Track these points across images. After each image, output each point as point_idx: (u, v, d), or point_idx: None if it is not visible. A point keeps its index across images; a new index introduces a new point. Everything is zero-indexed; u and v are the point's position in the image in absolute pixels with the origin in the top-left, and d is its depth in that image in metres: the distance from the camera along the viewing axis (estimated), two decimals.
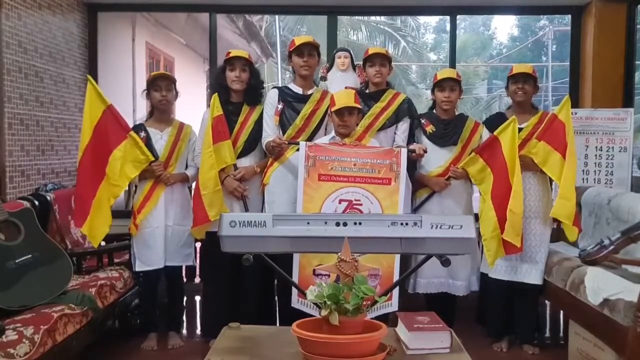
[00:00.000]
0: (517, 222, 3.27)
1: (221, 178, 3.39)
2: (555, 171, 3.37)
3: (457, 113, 3.70)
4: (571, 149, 3.33)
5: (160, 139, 3.57)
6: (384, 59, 3.55)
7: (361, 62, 3.69)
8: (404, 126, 3.57)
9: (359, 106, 3.29)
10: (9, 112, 3.58)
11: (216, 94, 3.44)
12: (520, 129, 3.51)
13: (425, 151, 3.43)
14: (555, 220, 3.54)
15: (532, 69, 3.59)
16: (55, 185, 3.97)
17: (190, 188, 3.75)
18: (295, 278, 3.01)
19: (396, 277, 3.02)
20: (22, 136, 3.73)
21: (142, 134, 3.50)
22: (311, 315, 2.09)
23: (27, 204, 3.35)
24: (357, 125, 3.40)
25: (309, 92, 3.51)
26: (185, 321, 4.11)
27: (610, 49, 4.50)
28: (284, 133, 3.45)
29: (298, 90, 3.52)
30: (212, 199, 3.33)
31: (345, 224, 2.05)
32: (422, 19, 17.49)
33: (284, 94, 3.51)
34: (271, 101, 3.50)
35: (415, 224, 2.06)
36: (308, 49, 3.43)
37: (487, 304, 3.73)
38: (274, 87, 3.63)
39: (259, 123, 3.51)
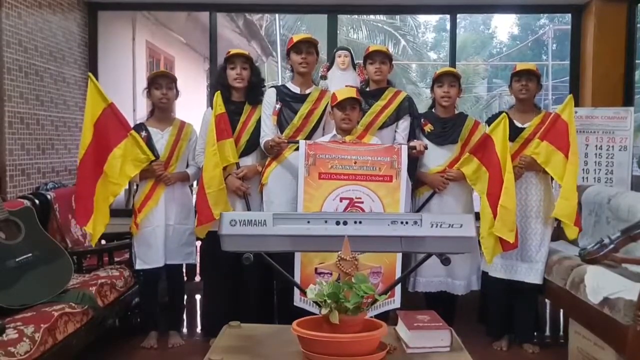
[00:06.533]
0: (509, 217, 3.27)
1: (223, 176, 3.39)
2: (557, 171, 3.37)
3: (456, 112, 3.70)
4: (574, 149, 3.33)
5: (161, 138, 3.57)
6: (384, 57, 3.56)
7: (361, 61, 3.70)
8: (404, 124, 3.57)
9: (360, 99, 3.29)
10: (9, 110, 3.58)
11: (218, 92, 3.43)
12: (522, 129, 3.52)
13: (425, 147, 3.43)
14: (556, 219, 3.54)
15: (536, 67, 3.60)
16: (55, 184, 3.97)
17: (191, 187, 3.76)
18: (297, 277, 3.02)
19: (398, 275, 3.02)
20: (22, 135, 3.73)
21: (143, 133, 3.50)
22: (312, 314, 2.09)
23: (27, 202, 3.35)
24: (358, 123, 3.40)
25: (307, 91, 3.51)
26: (185, 320, 4.11)
27: (610, 48, 4.50)
28: (282, 132, 3.44)
29: (296, 89, 3.51)
30: (217, 198, 3.33)
31: (345, 223, 2.05)
32: (422, 18, 17.55)
33: (282, 93, 3.50)
34: (269, 100, 3.50)
35: (415, 222, 2.06)
36: (306, 47, 3.43)
37: (487, 303, 3.73)
38: (272, 86, 3.63)
39: (260, 122, 3.51)
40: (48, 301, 2.76)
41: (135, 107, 6.25)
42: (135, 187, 3.73)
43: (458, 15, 4.91)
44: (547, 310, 4.31)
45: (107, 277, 3.33)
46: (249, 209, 3.44)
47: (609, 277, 2.91)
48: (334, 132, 3.34)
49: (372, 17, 14.31)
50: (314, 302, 1.79)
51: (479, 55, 21.46)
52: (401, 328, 2.08)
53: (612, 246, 3.07)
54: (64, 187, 3.97)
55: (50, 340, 2.53)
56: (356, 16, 13.53)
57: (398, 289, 3.09)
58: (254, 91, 3.57)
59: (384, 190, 3.11)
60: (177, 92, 3.65)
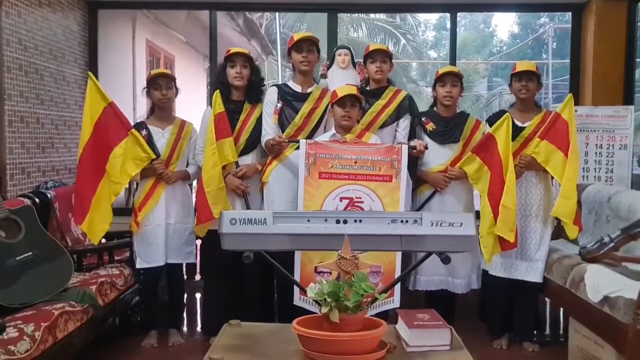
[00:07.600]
0: (509, 217, 3.27)
1: (223, 175, 3.39)
2: (557, 170, 3.36)
3: (458, 111, 3.70)
4: (574, 148, 3.33)
5: (162, 137, 3.57)
6: (385, 56, 3.56)
7: (362, 59, 3.69)
8: (405, 123, 3.57)
9: (360, 97, 3.29)
10: (9, 109, 3.58)
11: (218, 91, 3.43)
12: (523, 128, 3.52)
13: (426, 147, 3.43)
14: (556, 218, 3.54)
15: (536, 67, 3.59)
16: (55, 182, 3.97)
17: (191, 186, 3.76)
18: (297, 276, 3.02)
19: (398, 274, 3.02)
20: (22, 134, 3.73)
21: (144, 131, 3.50)
22: (312, 313, 2.10)
23: (27, 201, 3.35)
24: (358, 122, 3.40)
25: (309, 90, 3.51)
26: (185, 318, 4.11)
27: (610, 47, 4.49)
28: (283, 132, 3.44)
29: (297, 88, 3.51)
30: (216, 196, 3.33)
31: (345, 222, 2.04)
32: (422, 16, 17.50)
33: (283, 92, 3.50)
34: (270, 99, 3.50)
35: (415, 221, 2.06)
36: (307, 45, 3.43)
37: (487, 302, 3.73)
38: (273, 85, 3.63)
39: (260, 121, 3.51)
40: (48, 300, 2.77)
41: (135, 106, 6.25)
42: (135, 185, 3.73)
43: (458, 14, 4.91)
44: (547, 309, 4.31)
45: (107, 276, 3.34)
46: (248, 208, 3.44)
47: (609, 276, 2.91)
48: (333, 130, 3.34)
49: (372, 15, 14.29)
50: (314, 300, 1.79)
51: (479, 54, 21.44)
52: (401, 327, 2.08)
53: (612, 245, 3.07)
54: (64, 186, 3.97)
55: (50, 338, 2.53)
56: (356, 15, 13.52)
57: (397, 288, 3.09)
58: (254, 90, 3.57)
59: (383, 190, 3.11)
60: (177, 90, 3.65)
